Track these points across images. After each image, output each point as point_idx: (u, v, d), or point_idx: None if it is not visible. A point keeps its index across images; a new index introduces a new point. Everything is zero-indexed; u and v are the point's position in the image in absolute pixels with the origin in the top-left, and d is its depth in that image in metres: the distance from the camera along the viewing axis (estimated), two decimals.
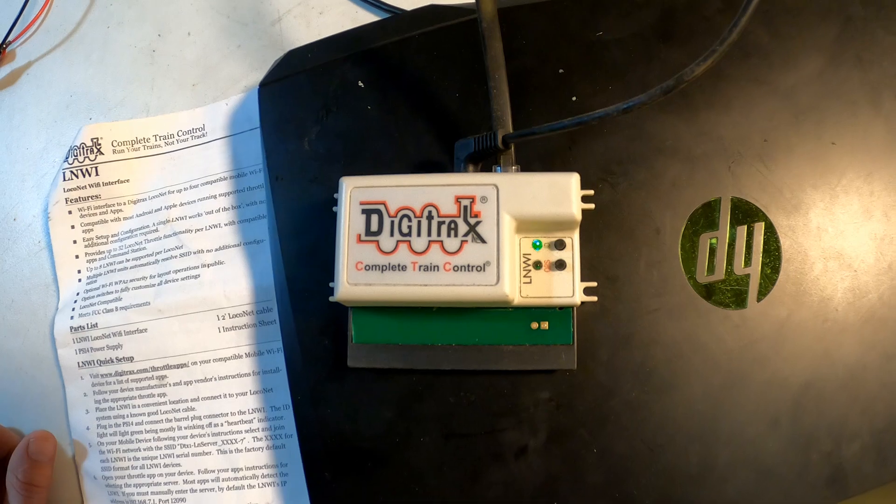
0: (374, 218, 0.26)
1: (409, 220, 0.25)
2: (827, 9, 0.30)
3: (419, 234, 0.25)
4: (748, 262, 0.28)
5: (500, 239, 0.25)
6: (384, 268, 0.25)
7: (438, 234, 0.25)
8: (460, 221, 0.25)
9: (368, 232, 0.26)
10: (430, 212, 0.25)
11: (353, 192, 0.26)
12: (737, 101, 0.29)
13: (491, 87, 0.27)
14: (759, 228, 0.28)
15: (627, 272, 0.28)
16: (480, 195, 0.25)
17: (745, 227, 0.28)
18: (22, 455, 0.32)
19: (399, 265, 0.25)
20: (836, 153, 0.29)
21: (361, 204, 0.26)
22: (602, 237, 0.28)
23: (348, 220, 0.26)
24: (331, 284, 0.26)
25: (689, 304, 0.28)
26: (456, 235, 0.25)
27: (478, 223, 0.25)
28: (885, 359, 0.28)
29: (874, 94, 0.29)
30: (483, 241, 0.25)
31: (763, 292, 0.28)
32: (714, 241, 0.28)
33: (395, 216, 0.26)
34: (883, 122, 0.29)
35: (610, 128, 0.29)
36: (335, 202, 0.27)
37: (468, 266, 0.25)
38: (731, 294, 0.28)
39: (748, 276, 0.28)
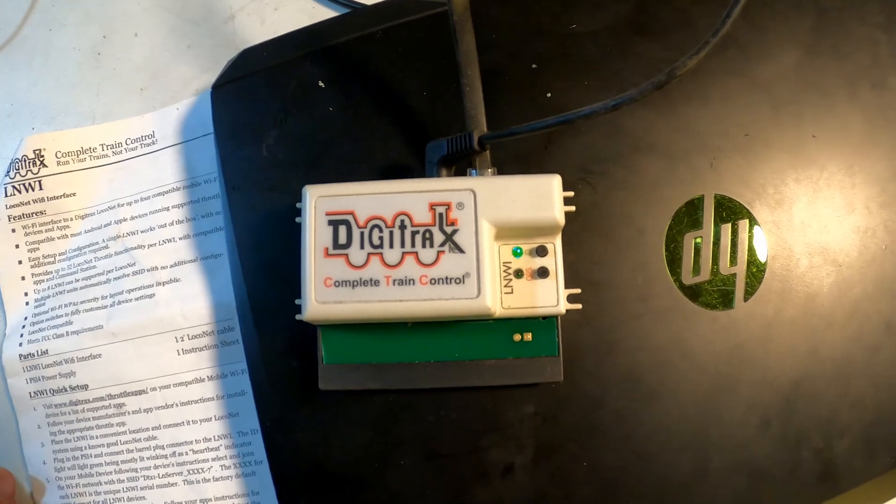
0: (342, 229, 0.23)
1: (381, 230, 0.23)
2: (801, 0, 0.28)
3: (392, 246, 0.22)
4: (734, 260, 0.26)
5: (480, 248, 0.22)
6: (355, 283, 0.22)
7: (413, 245, 0.22)
8: (436, 230, 0.22)
9: (336, 245, 0.23)
10: (402, 221, 0.23)
11: (318, 201, 0.23)
12: (715, 94, 0.27)
13: (463, 84, 0.24)
14: (744, 226, 0.26)
15: (611, 276, 0.26)
16: (456, 201, 0.23)
17: (730, 224, 0.26)
18: None
19: (371, 280, 0.22)
20: (816, 146, 0.27)
21: (328, 214, 0.23)
22: (583, 241, 0.26)
23: (314, 233, 0.23)
24: (297, 302, 0.24)
25: (676, 307, 0.26)
26: (432, 246, 0.22)
27: (455, 232, 0.22)
28: (870, 352, 0.26)
29: (850, 85, 0.28)
30: (461, 250, 0.22)
31: (750, 291, 0.26)
32: (699, 240, 0.26)
33: (365, 227, 0.23)
34: (860, 113, 0.27)
35: (587, 125, 0.26)
36: (298, 212, 0.24)
37: (446, 278, 0.22)
38: (717, 295, 0.26)
39: (734, 275, 0.26)
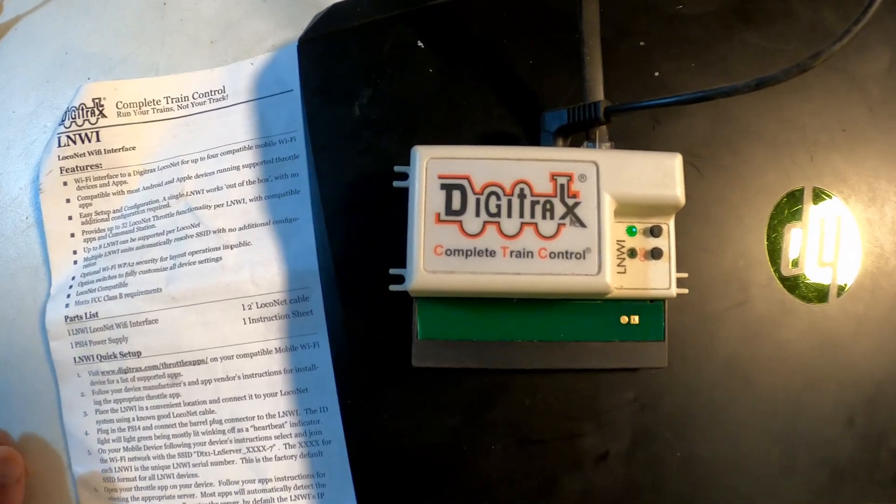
0: (457, 195, 0.20)
1: (498, 198, 0.20)
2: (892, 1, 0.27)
3: (510, 215, 0.20)
4: (830, 255, 0.24)
5: (601, 222, 0.20)
6: (469, 253, 0.20)
7: (532, 216, 0.20)
8: (556, 202, 0.20)
9: (449, 211, 0.20)
10: (521, 190, 0.20)
11: (430, 163, 0.20)
12: (816, 89, 0.25)
13: (584, 53, 0.21)
14: (840, 221, 0.24)
15: (715, 263, 0.23)
16: (579, 173, 0.20)
17: (827, 218, 0.24)
18: None
19: (487, 250, 0.20)
20: None
21: (440, 178, 0.20)
22: (689, 225, 0.23)
23: (424, 197, 0.20)
24: (393, 271, 0.21)
25: (775, 298, 0.24)
26: (552, 217, 0.20)
27: (576, 204, 0.20)
28: None
29: None
30: (583, 224, 0.20)
31: (842, 287, 0.24)
32: (798, 232, 0.24)
33: (482, 193, 0.20)
34: None
35: (694, 109, 0.24)
36: (392, 176, 0.21)
37: (566, 252, 0.20)
38: (813, 288, 0.24)
39: (830, 270, 0.24)
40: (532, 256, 0.20)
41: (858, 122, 0.25)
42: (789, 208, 0.24)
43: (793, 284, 0.24)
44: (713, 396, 0.23)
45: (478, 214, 0.20)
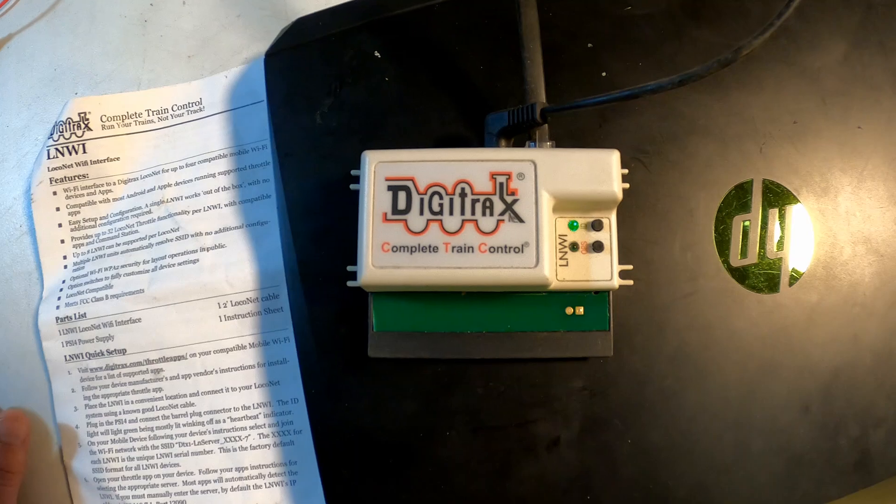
0: (402, 195, 0.22)
1: (441, 197, 0.22)
2: None
3: (451, 213, 0.22)
4: (780, 245, 0.26)
5: (539, 218, 0.22)
6: (413, 249, 0.22)
7: (472, 213, 0.22)
8: (496, 199, 0.22)
9: (395, 210, 0.22)
10: (462, 189, 0.22)
11: (378, 167, 0.23)
12: (767, 81, 0.27)
13: (525, 57, 0.24)
14: (791, 211, 0.26)
15: (662, 255, 0.25)
16: (517, 172, 0.22)
17: (777, 209, 0.26)
18: None
19: (430, 246, 0.22)
20: (862, 137, 0.27)
21: (387, 180, 0.22)
22: (636, 218, 0.25)
23: (373, 198, 0.22)
24: (349, 268, 0.23)
25: (724, 288, 0.25)
26: (491, 214, 0.22)
27: (515, 201, 0.22)
28: None
29: None
30: (521, 220, 0.22)
31: (795, 277, 0.26)
32: (747, 223, 0.26)
33: (425, 193, 0.22)
34: None
35: (641, 106, 0.26)
36: (351, 180, 0.24)
37: (505, 247, 0.22)
38: (763, 278, 0.26)
39: (780, 259, 0.26)
40: (473, 251, 0.22)
41: (810, 114, 0.27)
42: (738, 200, 0.26)
43: (742, 274, 0.26)
44: (663, 385, 0.25)
45: (422, 213, 0.22)
